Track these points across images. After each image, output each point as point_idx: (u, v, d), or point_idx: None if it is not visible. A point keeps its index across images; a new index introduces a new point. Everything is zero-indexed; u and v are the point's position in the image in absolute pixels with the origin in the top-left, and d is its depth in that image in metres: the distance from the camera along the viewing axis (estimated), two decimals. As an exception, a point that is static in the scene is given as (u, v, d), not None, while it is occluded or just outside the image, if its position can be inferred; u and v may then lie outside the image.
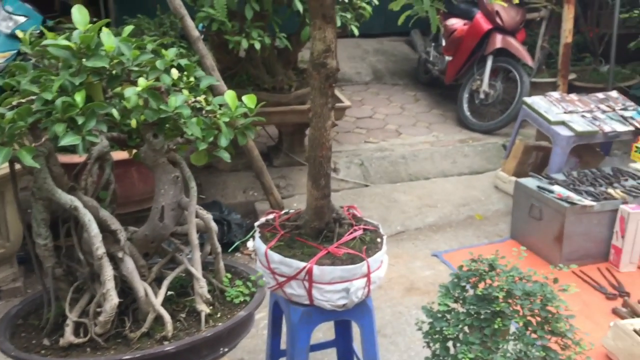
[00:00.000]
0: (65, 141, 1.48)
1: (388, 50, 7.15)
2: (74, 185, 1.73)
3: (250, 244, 3.76)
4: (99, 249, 1.65)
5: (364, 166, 4.64)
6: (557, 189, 3.50)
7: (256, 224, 2.19)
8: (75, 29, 1.66)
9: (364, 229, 2.16)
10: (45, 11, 4.05)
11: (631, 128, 4.00)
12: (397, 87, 6.43)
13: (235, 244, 3.72)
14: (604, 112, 4.17)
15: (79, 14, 1.62)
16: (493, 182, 4.47)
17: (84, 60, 1.59)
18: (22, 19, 3.80)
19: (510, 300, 1.76)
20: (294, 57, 4.47)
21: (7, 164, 1.62)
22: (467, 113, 5.43)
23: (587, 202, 3.34)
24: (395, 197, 4.26)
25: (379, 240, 2.14)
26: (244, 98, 1.92)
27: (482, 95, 5.31)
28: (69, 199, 1.65)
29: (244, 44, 3.72)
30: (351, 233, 2.11)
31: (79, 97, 1.53)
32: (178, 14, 3.54)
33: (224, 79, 3.90)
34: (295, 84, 4.38)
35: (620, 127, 4.00)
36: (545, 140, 4.32)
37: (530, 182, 3.63)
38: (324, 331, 2.83)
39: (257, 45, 3.74)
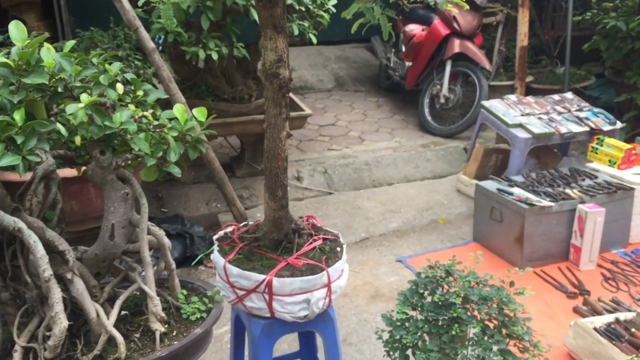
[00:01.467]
0: (4, 162, 1.43)
1: (350, 57, 7.18)
2: (18, 206, 1.67)
3: (214, 256, 3.71)
4: (46, 270, 1.60)
5: (327, 174, 4.63)
6: (516, 190, 3.54)
7: (215, 237, 2.16)
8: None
9: (324, 239, 2.14)
10: (-5, 26, 3.95)
11: (586, 128, 4.08)
12: (359, 93, 6.46)
13: (199, 257, 3.67)
14: (560, 113, 4.25)
15: (17, 30, 1.57)
16: (455, 186, 4.51)
17: (23, 77, 1.54)
18: (-30, 35, 3.69)
19: (467, 306, 1.76)
20: (253, 66, 4.44)
21: (-55, 187, 1.55)
22: (429, 118, 5.48)
23: (546, 202, 3.39)
24: (359, 204, 4.26)
25: (338, 249, 2.12)
26: (194, 111, 1.89)
27: (442, 100, 5.36)
28: (12, 220, 1.60)
29: (201, 54, 3.69)
30: (310, 243, 2.09)
31: (17, 116, 1.48)
32: (132, 26, 3.49)
33: (183, 90, 3.86)
34: (256, 94, 4.36)
35: (576, 128, 4.07)
36: (504, 143, 4.38)
37: (490, 185, 3.67)
38: (289, 342, 2.80)
39: (215, 56, 3.71)
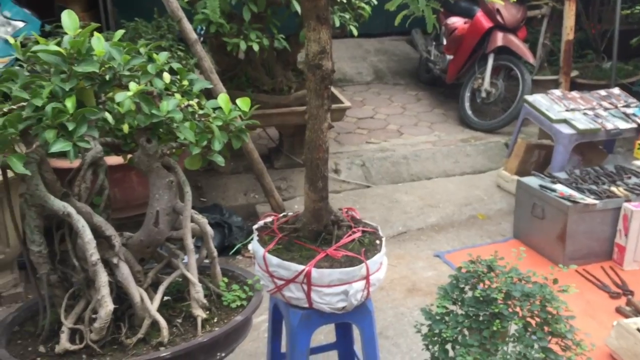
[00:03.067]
0: (56, 148, 1.47)
1: (389, 49, 7.12)
2: (67, 191, 1.72)
3: (251, 246, 3.75)
4: (93, 255, 1.64)
5: (365, 167, 4.62)
6: (559, 187, 3.47)
7: (254, 227, 2.18)
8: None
9: (363, 231, 2.14)
10: (43, 16, 4.05)
11: (634, 125, 3.96)
12: (398, 86, 6.41)
13: (237, 247, 3.71)
14: (606, 109, 4.14)
15: (69, 19, 1.61)
16: (495, 181, 4.44)
17: (74, 65, 1.58)
18: (20, 24, 3.80)
19: (509, 302, 1.74)
20: (293, 58, 4.46)
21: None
22: (469, 112, 5.40)
23: (590, 200, 3.31)
24: (397, 198, 4.24)
25: (377, 242, 2.12)
26: (237, 101, 1.91)
27: (483, 94, 5.28)
28: (62, 205, 1.64)
29: (242, 45, 3.71)
30: (350, 235, 2.09)
31: (69, 103, 1.51)
32: (175, 17, 3.54)
33: (223, 81, 3.89)
34: (295, 85, 4.37)
35: (623, 125, 3.96)
36: (547, 139, 4.29)
37: (533, 181, 3.60)
38: (325, 334, 2.82)
39: (256, 47, 3.73)
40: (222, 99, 1.82)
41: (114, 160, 2.36)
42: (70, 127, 1.50)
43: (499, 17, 5.19)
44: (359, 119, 5.54)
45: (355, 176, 4.52)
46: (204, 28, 3.74)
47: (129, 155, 1.91)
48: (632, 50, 5.45)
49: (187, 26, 3.53)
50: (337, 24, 4.04)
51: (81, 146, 1.53)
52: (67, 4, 5.79)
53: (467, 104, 5.43)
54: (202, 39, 4.18)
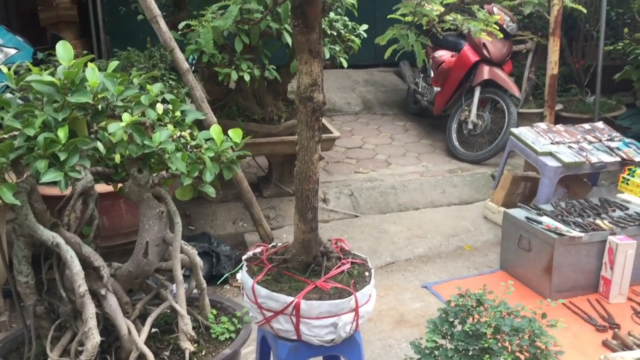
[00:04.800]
0: (47, 178, 1.47)
1: (378, 80, 7.21)
2: (57, 221, 1.71)
3: (239, 276, 3.73)
4: (81, 286, 1.63)
5: (353, 196, 4.63)
6: (545, 219, 3.50)
7: (243, 257, 2.17)
8: (65, 63, 1.66)
9: (352, 263, 2.14)
10: (36, 43, 4.07)
11: (617, 159, 4.02)
12: (386, 117, 6.47)
13: (224, 276, 3.68)
14: (590, 142, 4.20)
15: (64, 50, 1.63)
16: (482, 213, 4.47)
17: (67, 95, 1.59)
18: (12, 51, 3.81)
19: (498, 336, 1.74)
20: (283, 88, 4.50)
21: (-12, 200, 1.60)
22: (456, 143, 5.46)
23: (576, 233, 3.34)
24: (384, 228, 4.25)
25: (367, 273, 2.12)
26: (229, 132, 1.93)
27: (470, 126, 5.34)
28: (51, 235, 1.63)
29: (234, 75, 3.75)
30: (339, 267, 2.10)
31: (61, 133, 1.52)
32: (168, 47, 3.56)
33: (214, 110, 3.92)
34: (285, 115, 4.40)
35: (607, 158, 4.02)
36: (533, 171, 4.34)
37: (519, 213, 3.63)
38: (313, 366, 2.79)
39: (247, 77, 3.77)
40: (215, 130, 1.84)
41: (102, 187, 2.36)
42: (62, 157, 1.50)
43: (485, 51, 5.29)
44: (348, 149, 5.58)
45: (343, 206, 4.53)
46: (196, 58, 3.77)
47: (120, 185, 1.91)
48: (614, 85, 5.57)
49: (179, 56, 3.56)
50: (327, 55, 4.09)
51: (72, 176, 1.53)
52: (60, 31, 5.84)
53: (454, 136, 5.49)
54: (193, 68, 4.22)
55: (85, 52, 3.92)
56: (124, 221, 3.31)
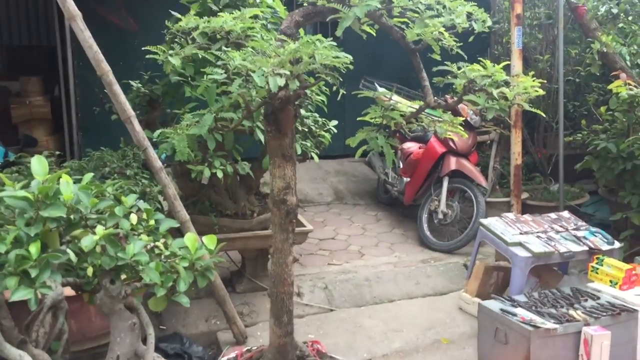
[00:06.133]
0: (17, 296, 1.44)
1: (348, 171, 7.35)
2: (25, 338, 1.66)
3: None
4: (47, 407, 1.56)
5: (328, 289, 4.59)
6: (520, 311, 3.50)
7: (217, 365, 2.12)
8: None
9: (329, 367, 2.11)
10: (7, 143, 4.08)
11: (585, 248, 4.11)
12: (358, 207, 6.55)
13: (196, 379, 3.55)
14: (557, 232, 4.30)
15: (39, 165, 1.64)
16: (457, 304, 4.46)
17: (41, 210, 1.59)
18: (-17, 152, 3.81)
19: None
20: (256, 182, 4.55)
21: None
22: (427, 233, 5.52)
23: (550, 325, 3.35)
24: (360, 322, 4.19)
25: (344, 378, 2.08)
26: (204, 239, 1.93)
27: (440, 216, 5.43)
28: (18, 354, 1.58)
29: (206, 173, 3.78)
30: (315, 373, 2.06)
31: (33, 249, 1.51)
32: (141, 146, 3.61)
33: (187, 206, 3.92)
34: (258, 209, 4.43)
35: (575, 247, 4.11)
36: (504, 261, 4.39)
37: (494, 305, 3.63)
38: None
39: (220, 174, 3.81)
40: (189, 238, 1.84)
41: (67, 291, 2.31)
42: (33, 273, 1.48)
43: (451, 143, 5.47)
44: (321, 240, 5.59)
45: (318, 299, 4.48)
46: (168, 155, 3.81)
47: (90, 295, 1.87)
48: (577, 173, 5.77)
49: (152, 155, 3.60)
50: (299, 151, 4.19)
51: (43, 292, 1.50)
52: (33, 128, 5.88)
53: (425, 225, 5.56)
54: (165, 164, 4.25)
55: (57, 152, 3.95)
56: (92, 324, 3.20)
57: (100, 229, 1.63)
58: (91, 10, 6.23)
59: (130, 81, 4.15)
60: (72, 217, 1.67)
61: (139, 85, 4.13)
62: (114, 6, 6.41)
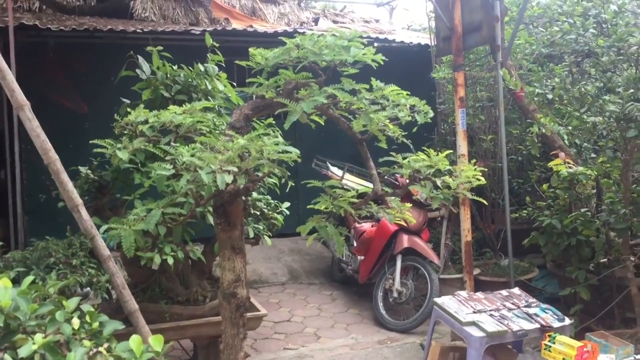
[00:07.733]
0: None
1: (303, 249, 7.33)
2: None
3: None
4: None
5: (283, 376, 4.47)
6: (476, 394, 3.48)
7: None
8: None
9: None
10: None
11: (537, 325, 4.15)
12: (313, 286, 6.49)
13: None
14: (510, 309, 4.34)
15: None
16: (415, 386, 4.40)
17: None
18: None
19: None
20: (208, 267, 4.48)
21: None
22: (383, 312, 5.49)
23: (507, 407, 3.32)
24: (317, 410, 4.07)
25: None
26: (150, 340, 1.87)
27: (395, 294, 5.43)
28: None
29: (157, 260, 3.71)
30: None
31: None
32: (89, 234, 3.53)
33: (136, 293, 3.81)
34: (210, 294, 4.33)
35: (528, 325, 4.14)
36: (459, 340, 4.38)
37: (450, 388, 3.60)
38: None
39: (170, 261, 3.74)
40: (134, 341, 1.78)
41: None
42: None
43: (403, 221, 5.54)
44: (276, 323, 5.48)
45: (273, 388, 4.34)
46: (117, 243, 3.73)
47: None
48: (526, 248, 5.91)
49: (100, 243, 3.53)
50: (252, 234, 4.18)
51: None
52: (-26, 212, 5.67)
53: (380, 304, 5.54)
54: (115, 248, 4.15)
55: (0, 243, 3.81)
56: None
57: (39, 337, 1.56)
58: (46, 96, 6.26)
59: (79, 167, 4.11)
60: (10, 324, 1.59)
61: (88, 171, 4.08)
62: (68, 93, 6.48)
